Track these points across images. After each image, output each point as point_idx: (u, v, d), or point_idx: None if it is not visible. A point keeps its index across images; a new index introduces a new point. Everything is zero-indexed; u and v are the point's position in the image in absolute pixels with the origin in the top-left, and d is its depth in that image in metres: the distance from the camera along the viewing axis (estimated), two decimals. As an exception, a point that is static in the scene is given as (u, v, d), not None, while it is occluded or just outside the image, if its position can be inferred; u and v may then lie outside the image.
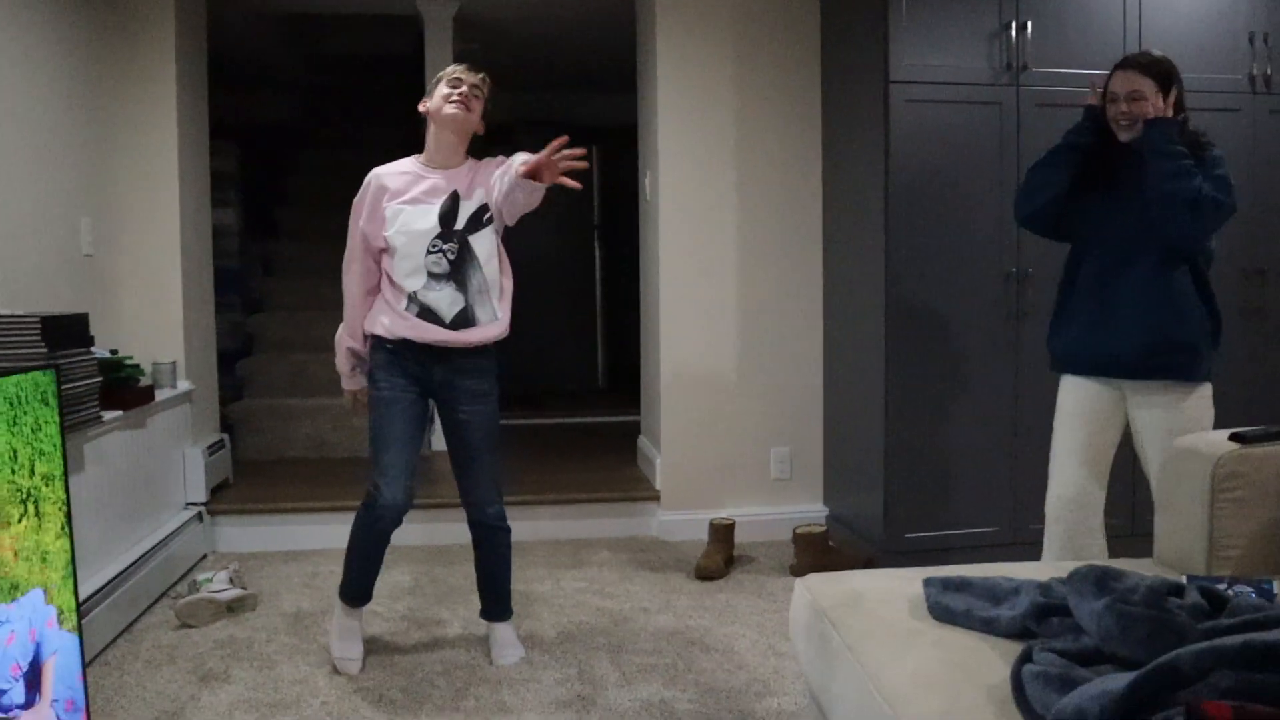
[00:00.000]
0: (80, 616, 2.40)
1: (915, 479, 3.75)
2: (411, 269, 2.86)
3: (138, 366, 3.67)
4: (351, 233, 2.97)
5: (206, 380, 4.53)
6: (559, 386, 7.62)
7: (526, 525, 4.31)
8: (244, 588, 3.52)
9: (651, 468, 4.58)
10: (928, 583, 2.00)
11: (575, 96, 7.92)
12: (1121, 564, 2.25)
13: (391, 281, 2.90)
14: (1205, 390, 2.82)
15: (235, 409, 5.37)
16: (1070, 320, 2.94)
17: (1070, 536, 2.95)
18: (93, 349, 3.23)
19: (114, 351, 3.65)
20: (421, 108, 2.98)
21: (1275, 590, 1.91)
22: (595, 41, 6.11)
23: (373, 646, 3.13)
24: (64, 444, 2.30)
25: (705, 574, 3.82)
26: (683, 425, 4.39)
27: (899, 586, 2.11)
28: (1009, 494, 3.79)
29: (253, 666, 3.01)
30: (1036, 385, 3.76)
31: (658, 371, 4.44)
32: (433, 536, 4.21)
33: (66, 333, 3.03)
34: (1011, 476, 3.79)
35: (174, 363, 4.04)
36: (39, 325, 2.85)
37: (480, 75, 2.97)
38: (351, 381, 3.10)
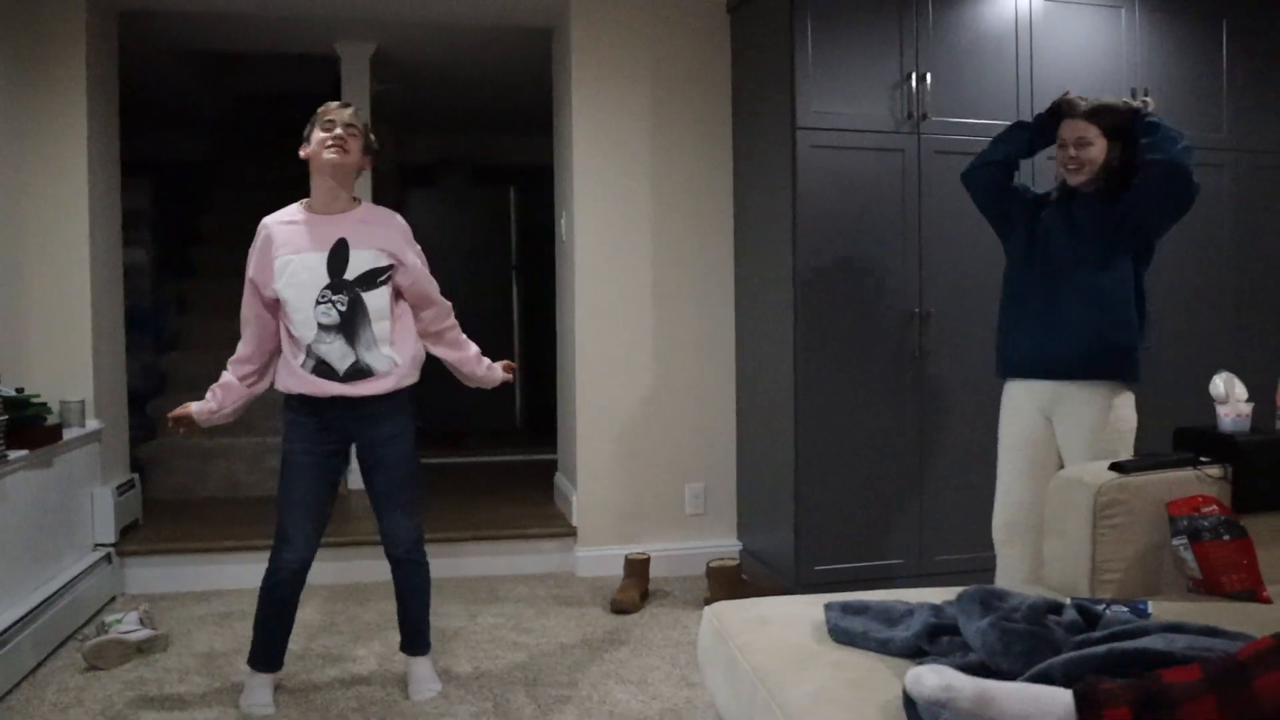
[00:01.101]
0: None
1: (825, 513, 3.85)
2: (302, 320, 2.86)
3: (44, 405, 3.62)
4: (246, 282, 2.96)
5: (116, 419, 4.46)
6: (477, 425, 7.61)
7: (445, 563, 4.30)
8: (154, 628, 3.47)
9: (568, 504, 4.62)
10: (828, 607, 2.09)
11: (493, 137, 8.00)
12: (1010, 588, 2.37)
13: (289, 334, 2.90)
14: (1132, 392, 2.98)
15: (147, 449, 5.28)
16: (1015, 325, 3.08)
17: (1031, 560, 3.02)
18: (-1, 387, 3.19)
19: (20, 390, 3.59)
20: (302, 153, 2.92)
21: (1149, 610, 2.03)
22: (513, 83, 6.20)
23: (286, 684, 3.12)
24: (-30, 481, 2.28)
25: (621, 608, 3.86)
26: (599, 462, 4.44)
27: (802, 612, 2.19)
28: (915, 527, 3.92)
29: (164, 708, 2.97)
30: (940, 421, 3.92)
31: (574, 409, 4.50)
32: (346, 574, 4.20)
33: (-28, 370, 2.99)
34: (919, 510, 3.92)
35: (82, 401, 3.98)
36: (-56, 362, 2.82)
37: (352, 110, 2.94)
38: (202, 406, 3.01)
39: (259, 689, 2.98)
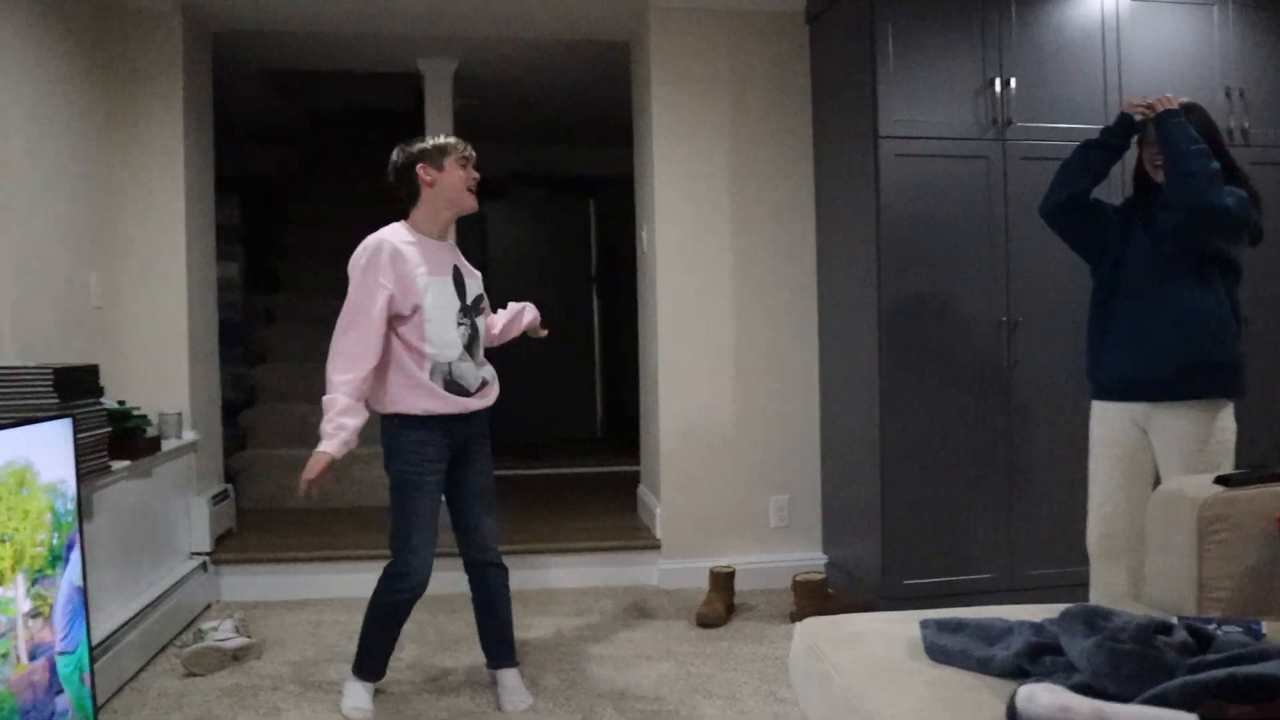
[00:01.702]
0: (92, 664, 2.44)
1: (912, 526, 3.80)
2: (447, 342, 2.91)
3: (145, 417, 3.73)
4: (367, 294, 2.83)
5: (211, 430, 4.58)
6: (558, 437, 7.66)
7: (529, 574, 4.35)
8: (248, 636, 3.55)
9: (652, 516, 4.62)
10: (924, 624, 2.06)
11: (572, 150, 8.05)
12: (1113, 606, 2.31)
13: (421, 353, 2.88)
14: (1232, 403, 2.89)
15: (238, 459, 5.41)
16: (1103, 348, 3.01)
17: (1129, 576, 2.95)
18: (102, 400, 3.29)
19: (121, 402, 3.70)
20: (426, 177, 2.93)
21: (1263, 630, 1.96)
22: (592, 96, 6.24)
23: (379, 696, 3.16)
24: (79, 492, 2.35)
25: (706, 621, 3.85)
26: (682, 474, 4.44)
27: (896, 629, 2.16)
28: (1005, 540, 3.84)
29: (259, 714, 3.03)
30: (1030, 431, 3.84)
31: (657, 421, 4.51)
32: (432, 585, 4.22)
33: (77, 384, 3.09)
34: (1008, 523, 3.84)
35: (179, 413, 4.09)
36: (52, 377, 2.92)
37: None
38: (341, 447, 2.81)
39: (362, 694, 3.04)
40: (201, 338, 4.46)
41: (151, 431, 3.80)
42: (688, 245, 4.44)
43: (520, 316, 3.38)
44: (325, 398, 2.83)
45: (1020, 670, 1.82)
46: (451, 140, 3.00)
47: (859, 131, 3.91)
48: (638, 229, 4.91)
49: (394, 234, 2.93)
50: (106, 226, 3.99)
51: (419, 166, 2.94)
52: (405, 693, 3.20)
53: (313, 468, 2.79)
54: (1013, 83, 3.80)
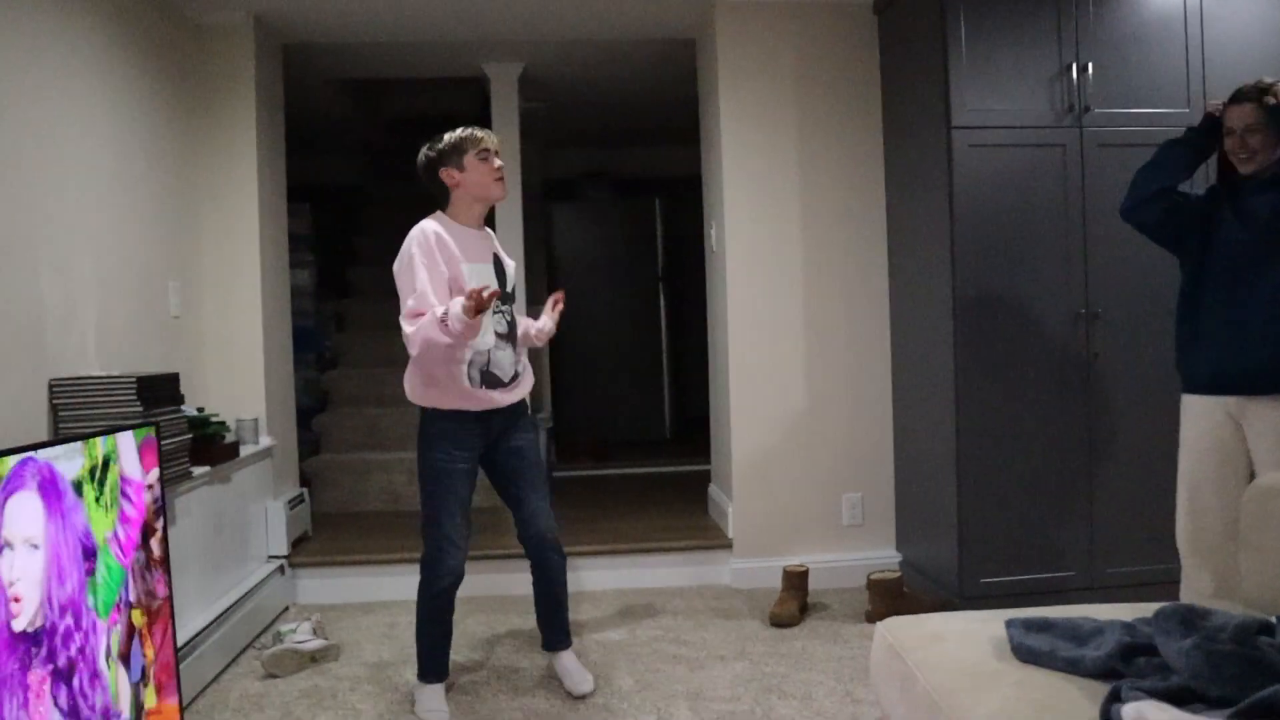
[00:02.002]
0: (178, 663, 2.48)
1: (989, 523, 3.72)
2: (484, 328, 2.94)
3: (223, 423, 3.79)
4: (424, 278, 2.82)
5: (286, 436, 4.65)
6: (626, 437, 7.66)
7: (600, 575, 4.35)
8: (326, 638, 3.59)
9: (723, 515, 4.59)
10: (1010, 624, 2.00)
11: (637, 149, 8.05)
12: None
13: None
14: None
15: (312, 463, 5.49)
16: (1195, 340, 2.92)
17: (1221, 574, 2.86)
18: (182, 407, 3.35)
19: (200, 409, 3.77)
20: (451, 181, 2.97)
21: (1369, 628, 1.88)
22: (657, 95, 6.22)
23: (454, 695, 3.18)
24: (164, 498, 2.40)
25: (780, 621, 3.81)
26: (754, 472, 4.40)
27: (979, 628, 2.10)
28: (1086, 538, 3.74)
29: (338, 715, 3.06)
30: (1112, 425, 3.74)
31: (728, 420, 4.47)
32: (501, 586, 4.24)
33: (159, 392, 3.15)
34: (1089, 520, 3.74)
35: (256, 419, 4.15)
36: (135, 385, 2.98)
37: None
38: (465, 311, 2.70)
39: (433, 696, 3.06)
40: (276, 344, 4.53)
41: (230, 438, 3.86)
42: (757, 242, 4.40)
43: (529, 331, 3.31)
44: (413, 332, 2.82)
45: (1113, 671, 1.76)
46: (468, 134, 2.98)
47: (931, 122, 3.84)
48: (705, 227, 4.88)
49: (439, 225, 2.98)
50: (184, 237, 4.07)
51: (441, 171, 2.99)
52: (480, 693, 3.21)
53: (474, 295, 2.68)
54: (1090, 68, 3.70)
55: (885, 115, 4.39)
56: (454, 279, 2.91)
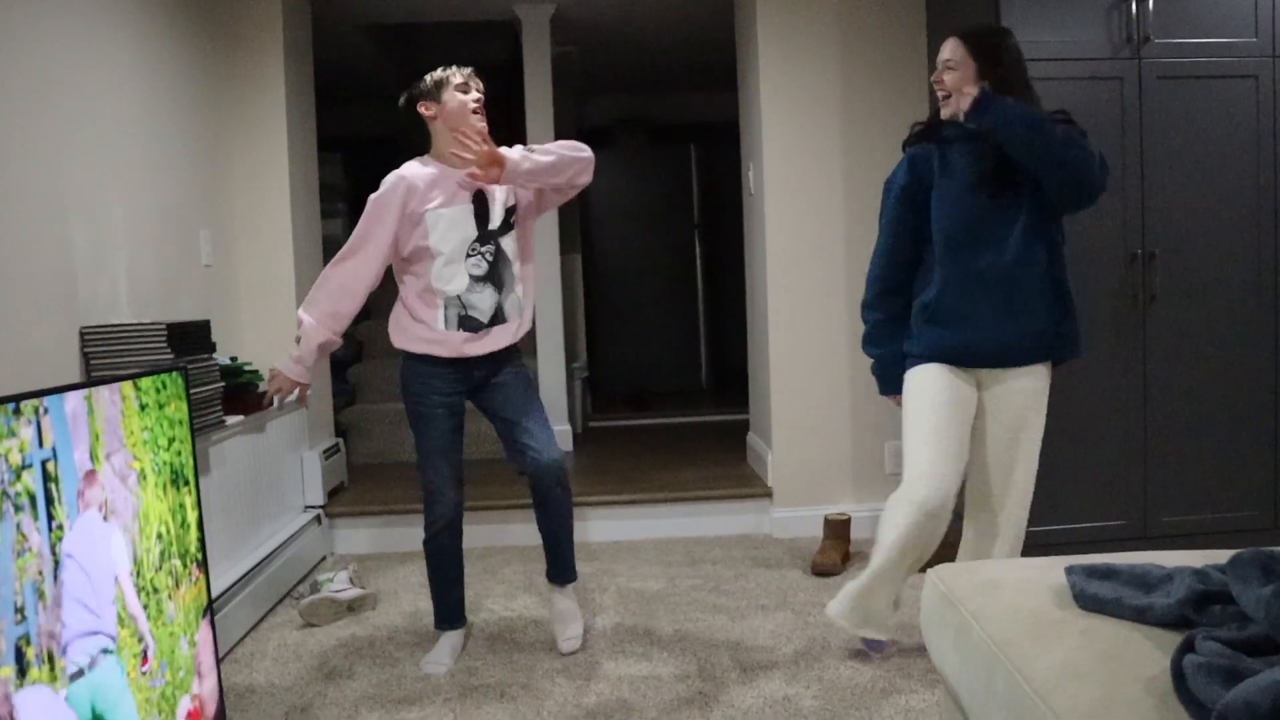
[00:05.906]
0: (213, 614, 2.45)
1: (1038, 471, 3.61)
2: (453, 274, 2.88)
3: (256, 372, 3.75)
4: (367, 232, 2.90)
5: (321, 386, 4.61)
6: (663, 387, 7.60)
7: (639, 524, 4.29)
8: (363, 588, 3.57)
9: (763, 464, 4.51)
10: (1070, 570, 1.91)
11: (672, 95, 7.90)
12: None
13: (429, 287, 2.90)
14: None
15: (348, 414, 5.47)
16: (944, 318, 2.76)
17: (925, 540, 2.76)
18: (214, 355, 3.31)
19: (233, 358, 3.73)
20: (428, 112, 2.95)
21: None
22: (691, 39, 6.08)
23: (492, 644, 3.14)
24: (194, 447, 2.35)
25: (822, 570, 3.74)
26: (794, 420, 4.31)
27: (1037, 575, 2.01)
28: (1139, 485, 3.63)
29: (376, 664, 3.04)
30: (1169, 369, 3.61)
31: (767, 367, 4.38)
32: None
33: (190, 339, 3.11)
34: (1143, 468, 3.63)
35: (290, 368, 4.10)
36: (165, 332, 2.93)
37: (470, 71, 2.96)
38: (303, 374, 2.93)
39: (440, 646, 3.05)
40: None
41: (263, 387, 3.82)
42: (797, 183, 4.27)
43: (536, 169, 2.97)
44: (301, 311, 2.97)
45: (1184, 620, 1.67)
46: (448, 72, 2.95)
47: (978, 56, 3.68)
48: (743, 171, 4.76)
49: (413, 169, 2.95)
50: (214, 186, 4.01)
51: (419, 105, 2.98)
52: (518, 641, 3.17)
53: (278, 382, 2.92)
54: (1148, -4, 3.54)
55: (930, 49, 4.23)
56: (409, 233, 2.88)
